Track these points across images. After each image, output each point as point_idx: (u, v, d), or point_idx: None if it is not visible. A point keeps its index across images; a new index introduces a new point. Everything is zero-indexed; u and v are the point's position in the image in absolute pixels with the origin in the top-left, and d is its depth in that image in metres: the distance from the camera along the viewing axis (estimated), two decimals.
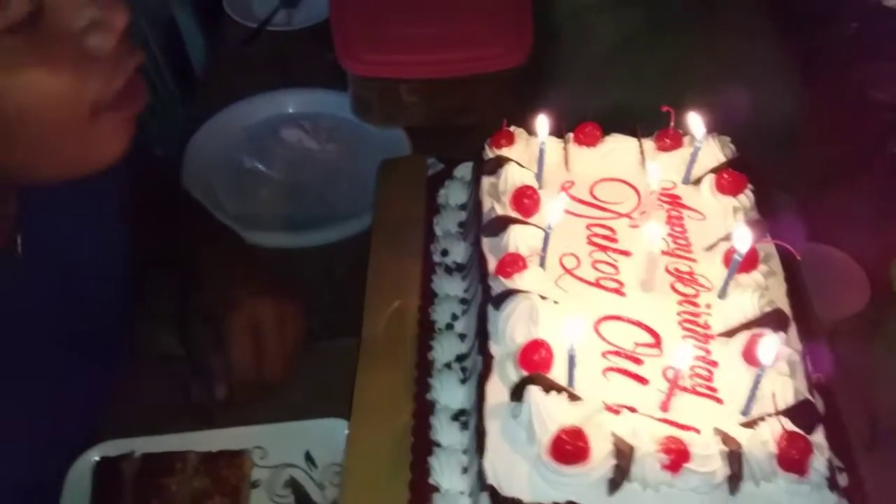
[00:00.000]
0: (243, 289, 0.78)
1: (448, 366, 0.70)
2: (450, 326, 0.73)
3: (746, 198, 0.76)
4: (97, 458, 0.71)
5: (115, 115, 0.57)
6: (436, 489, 0.63)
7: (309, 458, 0.75)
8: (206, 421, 0.77)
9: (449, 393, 0.68)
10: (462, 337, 0.71)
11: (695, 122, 0.77)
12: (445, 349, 0.71)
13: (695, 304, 0.68)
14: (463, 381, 0.68)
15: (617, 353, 0.64)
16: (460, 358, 0.70)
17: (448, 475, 0.63)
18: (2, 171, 0.58)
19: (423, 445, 0.65)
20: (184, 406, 0.81)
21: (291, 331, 0.79)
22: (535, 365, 0.61)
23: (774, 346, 0.60)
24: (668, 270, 0.70)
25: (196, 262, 0.81)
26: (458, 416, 0.67)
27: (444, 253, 0.78)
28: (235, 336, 0.76)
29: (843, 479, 0.64)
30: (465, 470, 0.63)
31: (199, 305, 0.78)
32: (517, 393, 0.60)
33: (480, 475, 0.58)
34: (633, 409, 0.59)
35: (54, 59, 0.52)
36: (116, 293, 0.83)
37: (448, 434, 0.65)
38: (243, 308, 0.76)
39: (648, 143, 0.80)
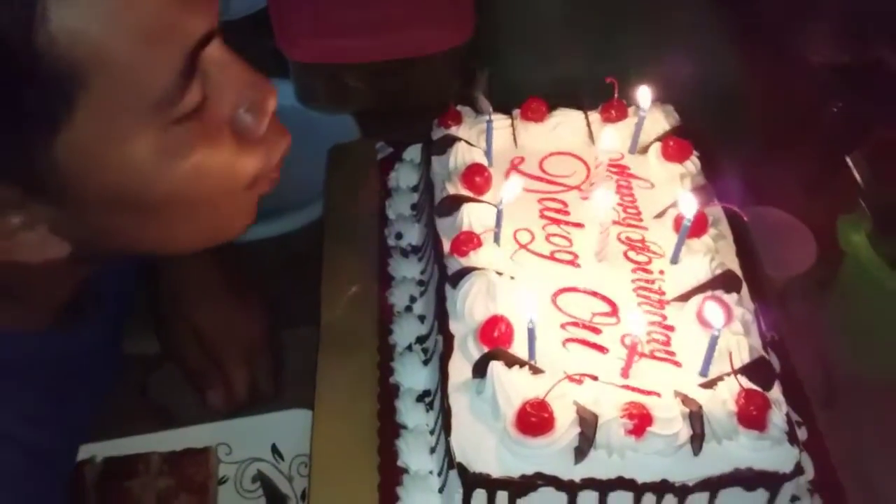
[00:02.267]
0: (236, 310, 0.82)
1: (409, 348, 0.70)
2: (409, 309, 0.73)
3: (692, 164, 0.77)
4: None
5: (256, 190, 0.60)
6: (405, 471, 0.63)
7: (275, 450, 0.74)
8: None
9: (412, 375, 0.68)
10: (421, 319, 0.72)
11: (641, 92, 0.77)
12: (405, 332, 0.71)
13: (648, 272, 0.69)
14: (425, 363, 0.69)
15: (575, 324, 0.65)
16: (421, 339, 0.70)
17: (416, 456, 0.63)
18: (140, 242, 0.60)
19: (390, 428, 0.65)
20: (141, 408, 0.80)
21: (276, 346, 0.83)
22: (495, 341, 0.61)
23: (722, 310, 0.62)
24: (620, 239, 0.71)
25: (171, 265, 0.83)
26: (422, 397, 0.67)
27: (399, 236, 0.78)
28: (233, 368, 0.81)
29: (802, 434, 0.66)
30: (432, 450, 0.64)
31: (194, 326, 0.81)
32: (480, 369, 0.60)
33: (448, 453, 0.58)
34: (594, 378, 0.60)
35: (216, 141, 0.55)
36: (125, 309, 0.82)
37: (413, 415, 0.66)
38: (237, 334, 0.81)
39: (594, 116, 0.80)
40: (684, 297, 0.67)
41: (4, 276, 0.58)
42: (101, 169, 0.52)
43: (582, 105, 0.81)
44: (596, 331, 0.65)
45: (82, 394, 0.72)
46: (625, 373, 0.62)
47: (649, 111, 0.78)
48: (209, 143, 0.55)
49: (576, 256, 0.70)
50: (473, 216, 0.69)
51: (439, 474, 0.62)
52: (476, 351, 0.61)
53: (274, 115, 0.59)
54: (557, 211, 0.73)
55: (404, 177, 0.82)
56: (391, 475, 0.63)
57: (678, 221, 0.70)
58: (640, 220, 0.73)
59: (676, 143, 0.77)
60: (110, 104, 0.49)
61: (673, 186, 0.74)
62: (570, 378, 0.60)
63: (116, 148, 0.51)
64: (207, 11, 0.53)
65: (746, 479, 0.58)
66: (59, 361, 0.67)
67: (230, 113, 0.56)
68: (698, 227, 0.70)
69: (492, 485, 0.56)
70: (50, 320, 0.66)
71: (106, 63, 0.48)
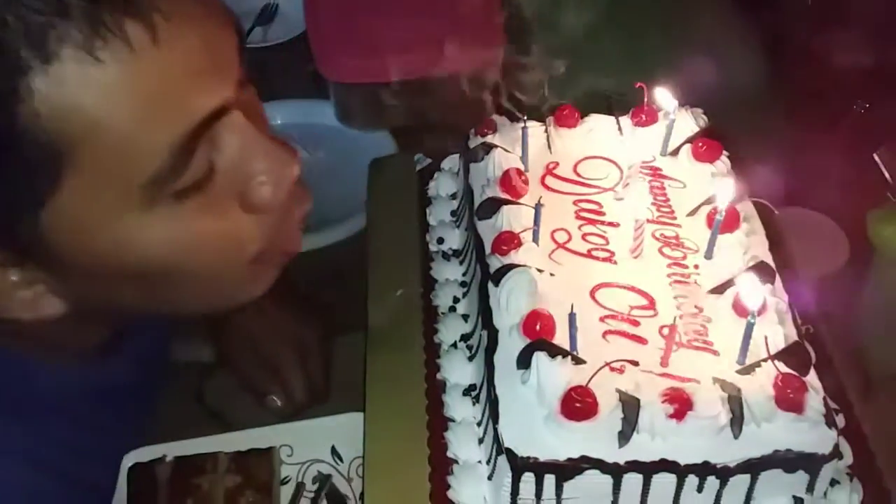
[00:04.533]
0: (286, 316, 0.84)
1: (454, 345, 0.73)
2: (452, 309, 0.76)
3: (723, 163, 0.79)
4: (131, 464, 0.73)
5: (267, 262, 0.58)
6: (454, 461, 0.66)
7: (335, 452, 0.77)
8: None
9: (458, 370, 0.71)
10: (465, 317, 0.74)
11: (668, 96, 0.80)
12: (450, 330, 0.73)
13: (683, 266, 0.72)
14: (470, 359, 0.71)
15: (614, 317, 0.67)
16: (465, 337, 0.73)
17: (465, 447, 0.66)
18: (140, 309, 0.59)
19: (439, 422, 0.68)
20: (197, 413, 0.84)
21: (328, 349, 0.85)
22: (538, 333, 0.64)
23: (758, 290, 0.64)
24: (654, 237, 0.74)
25: None
26: (468, 391, 0.69)
27: (440, 241, 0.81)
28: (289, 371, 0.83)
29: (840, 421, 0.68)
30: (480, 441, 0.66)
31: (246, 334, 0.84)
32: (524, 360, 0.63)
33: (497, 441, 0.61)
34: (635, 364, 0.62)
35: (221, 213, 0.53)
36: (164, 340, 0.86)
37: (461, 409, 0.68)
38: (290, 339, 0.83)
39: (626, 120, 0.83)
40: (720, 290, 0.69)
41: (30, 324, 0.57)
42: (90, 240, 0.50)
43: (612, 111, 0.84)
44: (635, 323, 0.67)
45: (119, 422, 0.74)
46: (664, 361, 0.64)
47: (679, 114, 0.80)
48: (213, 212, 0.53)
49: (612, 254, 0.72)
50: (512, 217, 0.72)
51: (488, 462, 0.64)
52: (520, 343, 0.64)
53: (298, 179, 0.57)
54: (592, 212, 0.76)
55: (443, 185, 0.85)
56: (442, 466, 0.66)
57: (711, 218, 0.72)
58: (674, 217, 0.75)
59: (706, 143, 0.79)
60: (99, 179, 0.48)
61: (704, 185, 0.77)
62: (611, 367, 0.63)
63: (105, 221, 0.50)
64: (221, 84, 0.50)
65: (786, 461, 0.60)
66: (95, 391, 0.68)
67: (243, 184, 0.54)
68: (730, 222, 0.72)
69: (539, 468, 0.59)
70: (83, 357, 0.67)
71: (96, 139, 0.46)
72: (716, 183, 0.76)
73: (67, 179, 0.47)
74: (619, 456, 0.59)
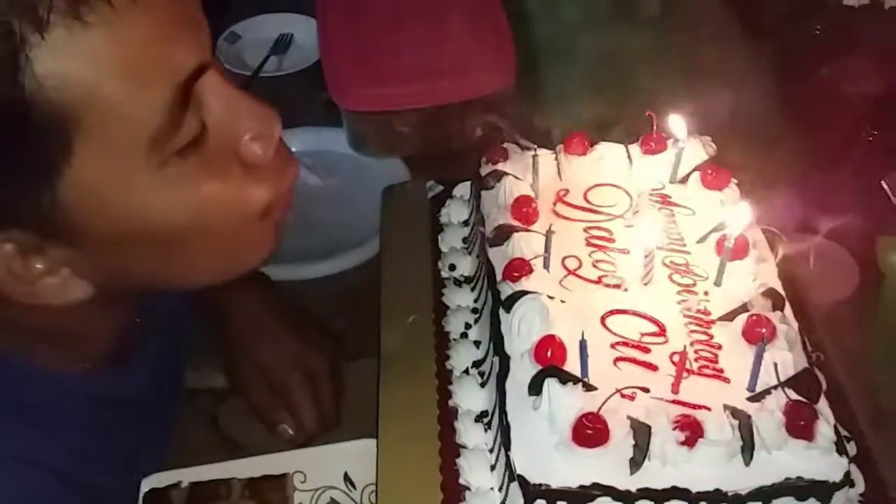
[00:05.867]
0: (296, 344, 0.85)
1: (466, 372, 0.73)
2: (464, 335, 0.76)
3: (732, 191, 0.80)
4: (147, 489, 0.74)
5: (271, 219, 0.61)
6: (466, 488, 0.66)
7: (347, 479, 0.77)
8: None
9: (470, 397, 0.71)
10: (477, 344, 0.75)
11: (677, 124, 0.81)
12: (462, 357, 0.74)
13: (693, 293, 0.72)
14: (482, 385, 0.72)
15: (625, 344, 0.68)
16: (477, 364, 0.74)
17: (477, 474, 0.66)
18: (160, 278, 0.61)
19: (451, 448, 0.68)
20: (212, 438, 0.84)
21: (338, 376, 0.86)
22: (549, 360, 0.65)
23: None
24: (664, 264, 0.74)
25: (233, 308, 0.87)
26: (480, 417, 0.70)
27: (452, 267, 0.82)
28: (298, 399, 0.84)
29: (851, 449, 0.68)
30: (492, 467, 0.67)
31: (256, 361, 0.85)
32: (535, 386, 0.63)
33: (509, 468, 0.61)
34: (646, 390, 0.63)
35: (223, 171, 0.56)
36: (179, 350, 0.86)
37: (473, 435, 0.69)
38: (300, 366, 0.84)
39: (635, 148, 0.84)
40: (729, 317, 0.70)
41: (41, 320, 0.60)
42: (107, 207, 0.52)
43: (622, 139, 0.85)
44: (645, 350, 0.68)
45: (133, 430, 0.74)
46: (675, 388, 0.65)
47: (687, 142, 0.81)
48: (215, 173, 0.55)
49: (622, 281, 0.73)
50: (524, 244, 0.73)
51: (500, 489, 0.65)
52: (531, 369, 0.65)
53: (281, 143, 0.60)
54: (603, 238, 0.77)
55: (455, 212, 0.86)
56: (454, 493, 0.66)
57: (720, 245, 0.73)
58: (683, 245, 0.76)
59: (715, 171, 0.80)
60: (106, 143, 0.50)
61: (713, 212, 0.78)
62: (622, 394, 0.63)
63: (119, 185, 0.52)
64: (195, 44, 0.53)
65: (797, 488, 0.60)
66: (108, 398, 0.69)
67: (234, 142, 0.56)
68: (740, 250, 0.73)
69: (552, 496, 0.59)
70: (94, 361, 0.68)
71: (97, 103, 0.48)
72: (725, 210, 0.77)
73: (78, 147, 0.49)
74: (631, 483, 0.59)
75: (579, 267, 0.74)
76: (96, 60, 0.48)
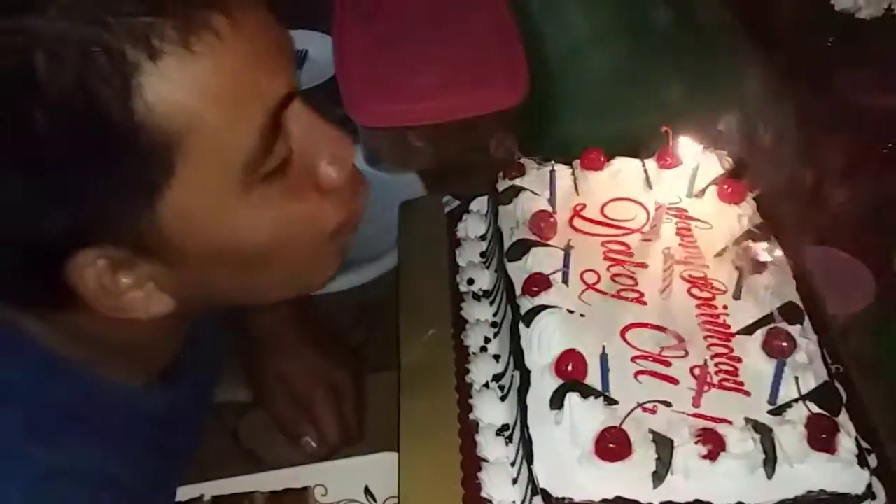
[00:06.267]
0: (320, 358, 0.87)
1: (486, 385, 0.74)
2: (483, 349, 0.77)
3: (749, 204, 0.80)
4: None
5: (340, 239, 0.64)
6: (489, 501, 0.66)
7: (368, 492, 0.78)
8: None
9: (490, 411, 0.71)
10: (496, 358, 0.75)
11: (694, 138, 0.82)
12: (482, 370, 0.75)
13: (712, 307, 0.73)
14: (502, 399, 0.72)
15: (645, 357, 0.68)
16: (497, 377, 0.74)
17: (499, 487, 0.67)
18: (235, 294, 0.64)
19: (472, 462, 0.69)
20: (233, 452, 0.85)
21: (361, 389, 0.87)
22: (570, 374, 0.65)
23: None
24: (683, 277, 0.75)
25: (260, 321, 0.88)
26: (501, 431, 0.70)
27: (470, 282, 0.83)
28: (321, 411, 0.85)
29: (872, 461, 0.68)
30: (514, 480, 0.67)
31: (280, 374, 0.86)
32: (557, 401, 0.64)
33: (532, 481, 0.62)
34: (667, 405, 0.63)
35: (302, 194, 0.58)
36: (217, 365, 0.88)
37: (494, 449, 0.69)
38: (324, 379, 0.85)
39: (651, 163, 0.85)
40: (749, 330, 0.70)
41: (114, 333, 0.62)
42: (199, 226, 0.55)
43: (637, 153, 0.86)
44: (666, 363, 0.68)
45: (181, 445, 0.76)
46: (696, 402, 0.65)
47: (703, 156, 0.82)
48: (296, 196, 0.58)
49: (641, 294, 0.73)
50: (542, 259, 0.74)
51: (522, 503, 0.65)
52: (552, 384, 0.65)
53: (353, 165, 0.62)
54: (621, 252, 0.77)
55: (472, 227, 0.87)
56: None
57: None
58: (702, 258, 0.76)
59: (731, 185, 0.81)
60: (204, 166, 0.53)
61: (731, 226, 0.78)
62: (644, 408, 0.64)
63: (211, 206, 0.55)
64: (285, 73, 0.56)
65: (819, 501, 0.60)
66: (160, 414, 0.71)
67: (313, 166, 0.59)
68: (758, 263, 0.74)
69: None
70: (150, 377, 0.70)
71: (199, 128, 0.51)
72: (742, 225, 0.77)
73: (179, 169, 0.52)
74: (654, 497, 0.59)
75: (598, 281, 0.74)
76: (201, 88, 0.51)
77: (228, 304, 0.69)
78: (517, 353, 0.69)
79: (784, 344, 0.66)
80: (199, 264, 0.57)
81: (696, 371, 0.66)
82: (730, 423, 0.63)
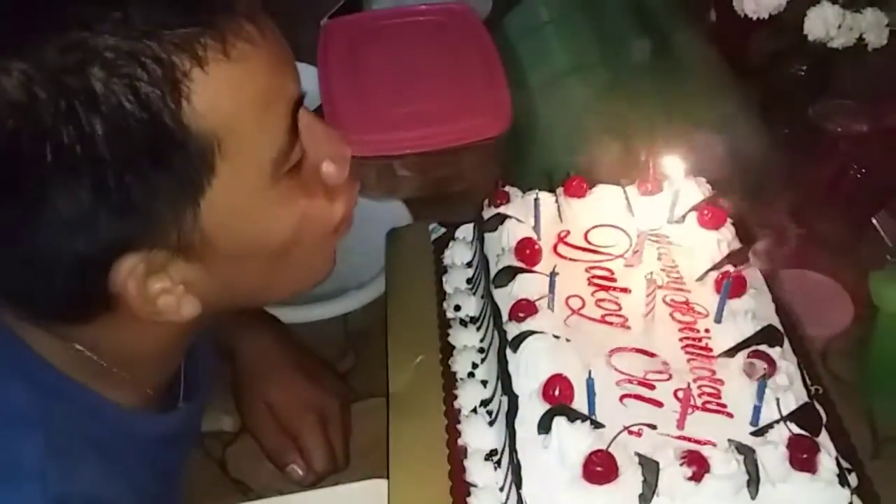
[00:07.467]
0: (308, 386, 0.87)
1: (474, 411, 0.75)
2: (471, 375, 0.78)
3: (728, 230, 0.82)
4: None
5: (339, 234, 0.67)
6: None
7: None
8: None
9: (479, 436, 0.72)
10: (484, 383, 0.77)
11: (673, 165, 0.84)
12: (470, 396, 0.76)
13: (694, 330, 0.74)
14: (490, 424, 0.73)
15: (630, 381, 0.70)
16: (484, 402, 0.75)
17: None
18: (255, 293, 0.67)
19: (461, 487, 0.70)
20: (220, 481, 0.85)
21: (347, 417, 0.88)
22: (557, 398, 0.66)
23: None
24: (665, 302, 0.76)
25: (247, 349, 0.89)
26: (489, 456, 0.71)
27: (457, 308, 0.84)
28: (308, 438, 0.85)
29: (852, 480, 0.69)
30: None
31: (267, 402, 0.86)
32: (544, 425, 0.65)
33: None
34: (652, 427, 0.64)
35: (313, 190, 0.62)
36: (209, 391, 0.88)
37: (483, 474, 0.70)
38: (311, 408, 0.86)
39: (632, 190, 0.87)
40: (731, 353, 0.72)
41: (122, 345, 0.63)
42: (236, 224, 0.58)
43: (618, 181, 0.88)
44: (650, 387, 0.69)
45: (177, 472, 0.77)
46: (680, 424, 0.66)
47: (683, 183, 0.84)
48: (308, 193, 0.62)
49: (625, 319, 0.75)
50: (528, 285, 0.75)
51: None
52: (540, 408, 0.66)
53: (350, 166, 0.66)
54: (605, 278, 0.79)
55: (458, 254, 0.88)
56: None
57: (719, 283, 0.75)
58: (683, 283, 0.78)
59: (711, 211, 0.82)
60: (240, 166, 0.56)
61: (711, 251, 0.80)
62: (630, 431, 0.65)
63: (247, 204, 0.58)
64: (296, 76, 0.60)
65: None
66: (161, 439, 0.71)
67: (318, 164, 0.63)
68: (738, 287, 0.75)
69: None
70: (147, 398, 0.70)
71: (236, 129, 0.55)
72: (721, 250, 0.79)
73: (219, 169, 0.55)
74: None
75: (583, 306, 0.76)
76: (239, 91, 0.55)
77: (249, 303, 0.72)
78: (504, 378, 0.70)
79: (765, 367, 0.68)
80: (230, 263, 0.60)
81: (680, 394, 0.68)
82: (713, 444, 0.64)
